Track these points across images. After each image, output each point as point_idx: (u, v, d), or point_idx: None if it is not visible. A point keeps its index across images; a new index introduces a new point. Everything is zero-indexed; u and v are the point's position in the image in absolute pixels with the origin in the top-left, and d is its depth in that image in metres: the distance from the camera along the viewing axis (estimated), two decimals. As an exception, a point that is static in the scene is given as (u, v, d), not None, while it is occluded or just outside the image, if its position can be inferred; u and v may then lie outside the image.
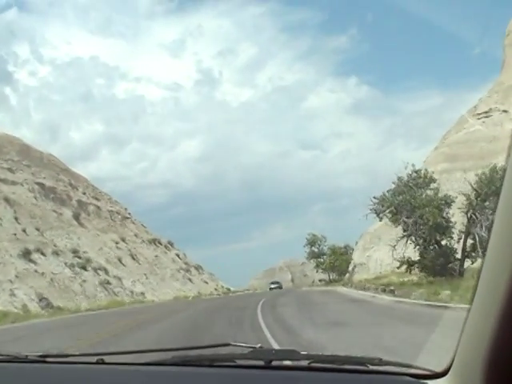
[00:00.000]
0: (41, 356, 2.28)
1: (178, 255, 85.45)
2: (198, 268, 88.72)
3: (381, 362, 1.91)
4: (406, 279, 36.48)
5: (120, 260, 59.83)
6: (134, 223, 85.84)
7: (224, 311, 21.17)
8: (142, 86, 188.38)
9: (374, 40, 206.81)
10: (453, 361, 1.52)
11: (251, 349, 2.08)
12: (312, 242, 54.35)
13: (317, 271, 56.62)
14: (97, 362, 2.21)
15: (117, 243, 65.43)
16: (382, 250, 47.72)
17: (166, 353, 2.18)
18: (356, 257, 50.83)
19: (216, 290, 78.39)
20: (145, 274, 61.65)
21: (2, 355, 2.34)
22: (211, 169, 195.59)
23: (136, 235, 78.61)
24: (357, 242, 58.56)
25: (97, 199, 79.71)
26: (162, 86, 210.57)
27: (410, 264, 29.85)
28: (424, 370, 1.84)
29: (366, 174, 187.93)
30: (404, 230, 29.34)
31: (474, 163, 46.64)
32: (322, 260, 53.40)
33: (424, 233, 28.11)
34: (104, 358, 2.24)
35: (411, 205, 28.49)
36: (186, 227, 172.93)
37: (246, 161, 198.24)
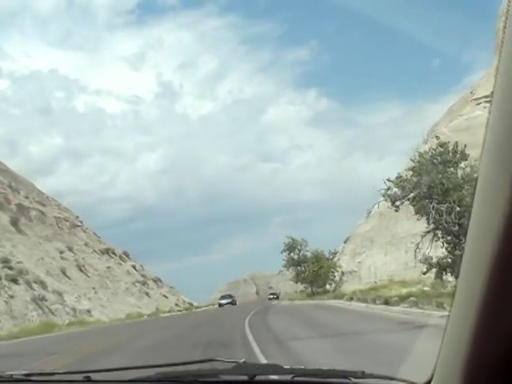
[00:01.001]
0: (26, 375, 2.27)
1: (134, 267, 76.79)
2: (156, 281, 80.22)
3: (364, 375, 1.87)
4: (415, 289, 29.50)
5: (64, 272, 50.99)
6: (85, 232, 76.94)
7: (192, 354, 10.38)
8: (101, 99, 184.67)
9: (334, 52, 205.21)
10: (434, 371, 1.49)
11: (235, 364, 2.04)
12: (291, 247, 45.49)
13: (296, 282, 48.34)
14: (83, 380, 2.20)
15: (62, 252, 56.53)
16: (376, 255, 40.66)
17: (151, 369, 2.16)
18: (344, 264, 43.32)
19: (177, 305, 70.03)
20: (93, 288, 52.89)
21: None
22: (172, 182, 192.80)
23: (86, 244, 69.77)
24: (330, 251, 51.12)
25: (42, 204, 70.57)
26: (122, 98, 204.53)
27: (441, 267, 22.43)
28: (406, 381, 1.83)
29: (325, 186, 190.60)
30: (433, 222, 22.05)
31: (480, 151, 40.24)
32: (303, 268, 44.98)
33: (461, 224, 20.94)
34: (90, 375, 2.21)
35: (443, 186, 21.40)
36: (147, 241, 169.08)
37: (207, 174, 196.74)
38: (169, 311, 54.73)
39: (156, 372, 2.08)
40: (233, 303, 60.69)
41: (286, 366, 2.00)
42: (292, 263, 45.87)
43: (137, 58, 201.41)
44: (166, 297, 75.76)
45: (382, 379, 1.88)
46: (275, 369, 2.02)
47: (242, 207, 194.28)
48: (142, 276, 75.62)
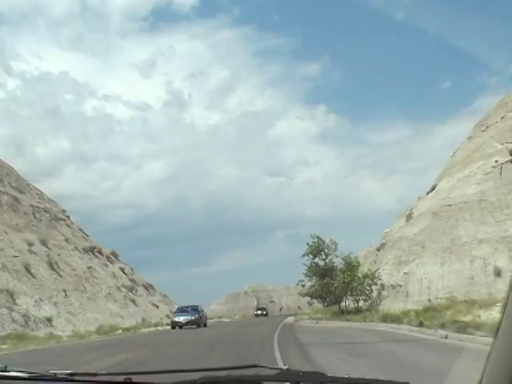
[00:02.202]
0: (69, 374, 2.27)
1: (122, 270, 66.78)
2: (147, 287, 70.11)
3: None
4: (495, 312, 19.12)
5: (27, 268, 41.04)
6: (69, 226, 67.06)
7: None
8: (110, 105, 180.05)
9: (345, 69, 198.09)
10: None
11: (278, 371, 2.04)
12: (316, 249, 35.11)
13: (320, 296, 37.87)
14: (124, 382, 2.19)
15: (31, 245, 46.56)
16: (429, 266, 30.60)
17: (193, 373, 2.14)
18: (385, 275, 33.09)
19: (168, 316, 59.83)
20: (64, 291, 42.84)
21: (30, 373, 2.28)
22: (175, 191, 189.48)
23: (67, 240, 59.79)
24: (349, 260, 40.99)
25: (20, 191, 60.86)
26: (130, 105, 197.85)
27: None
28: None
29: (329, 203, 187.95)
30: None
31: None
32: (329, 279, 33.78)
33: None
34: (132, 377, 2.22)
35: None
36: (147, 249, 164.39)
37: (212, 185, 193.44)
38: (155, 325, 44.51)
39: (198, 376, 2.03)
40: (197, 322, 36.49)
41: (329, 375, 1.97)
42: (316, 270, 35.14)
43: (147, 65, 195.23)
44: (157, 306, 65.72)
45: None
46: (319, 377, 1.99)
47: (246, 220, 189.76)
48: (131, 280, 65.62)
